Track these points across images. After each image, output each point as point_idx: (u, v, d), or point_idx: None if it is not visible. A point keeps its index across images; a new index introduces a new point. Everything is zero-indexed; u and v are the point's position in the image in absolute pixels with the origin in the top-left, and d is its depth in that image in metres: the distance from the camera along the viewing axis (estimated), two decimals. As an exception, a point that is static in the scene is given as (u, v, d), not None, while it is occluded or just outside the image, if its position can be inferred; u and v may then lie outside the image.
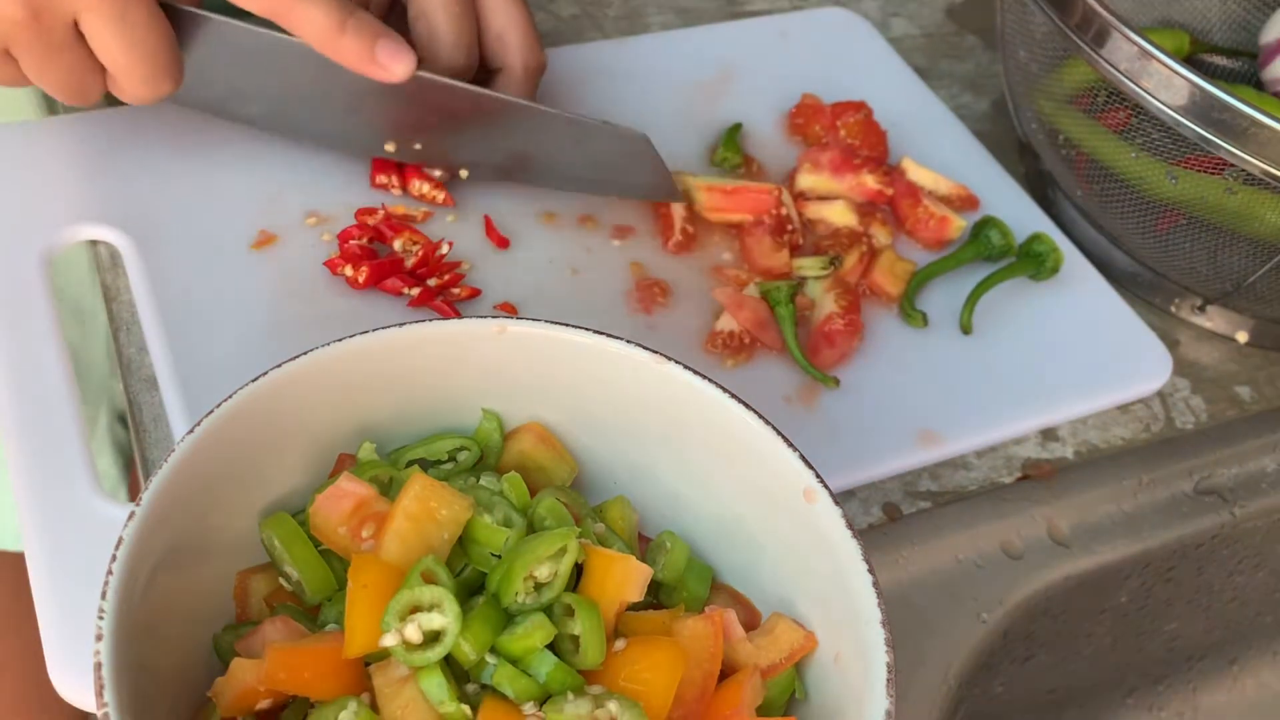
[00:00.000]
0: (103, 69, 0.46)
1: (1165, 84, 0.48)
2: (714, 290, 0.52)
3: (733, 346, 0.50)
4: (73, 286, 0.64)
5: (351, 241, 0.50)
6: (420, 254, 0.50)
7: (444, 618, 0.32)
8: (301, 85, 0.50)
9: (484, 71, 0.53)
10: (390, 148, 0.53)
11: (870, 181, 0.56)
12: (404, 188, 0.54)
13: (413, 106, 0.51)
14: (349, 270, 0.49)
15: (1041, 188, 0.62)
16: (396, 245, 0.51)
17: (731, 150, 0.58)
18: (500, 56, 0.52)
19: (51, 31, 0.44)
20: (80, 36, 0.45)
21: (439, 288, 0.50)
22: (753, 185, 0.55)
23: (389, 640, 0.31)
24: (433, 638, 0.32)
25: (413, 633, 0.31)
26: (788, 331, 0.50)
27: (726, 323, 0.51)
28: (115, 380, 0.70)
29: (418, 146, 0.53)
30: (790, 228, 0.55)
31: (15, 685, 0.72)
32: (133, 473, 0.73)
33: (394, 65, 0.47)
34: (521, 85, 0.52)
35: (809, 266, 0.53)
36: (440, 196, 0.53)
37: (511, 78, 0.52)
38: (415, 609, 0.32)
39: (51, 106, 0.66)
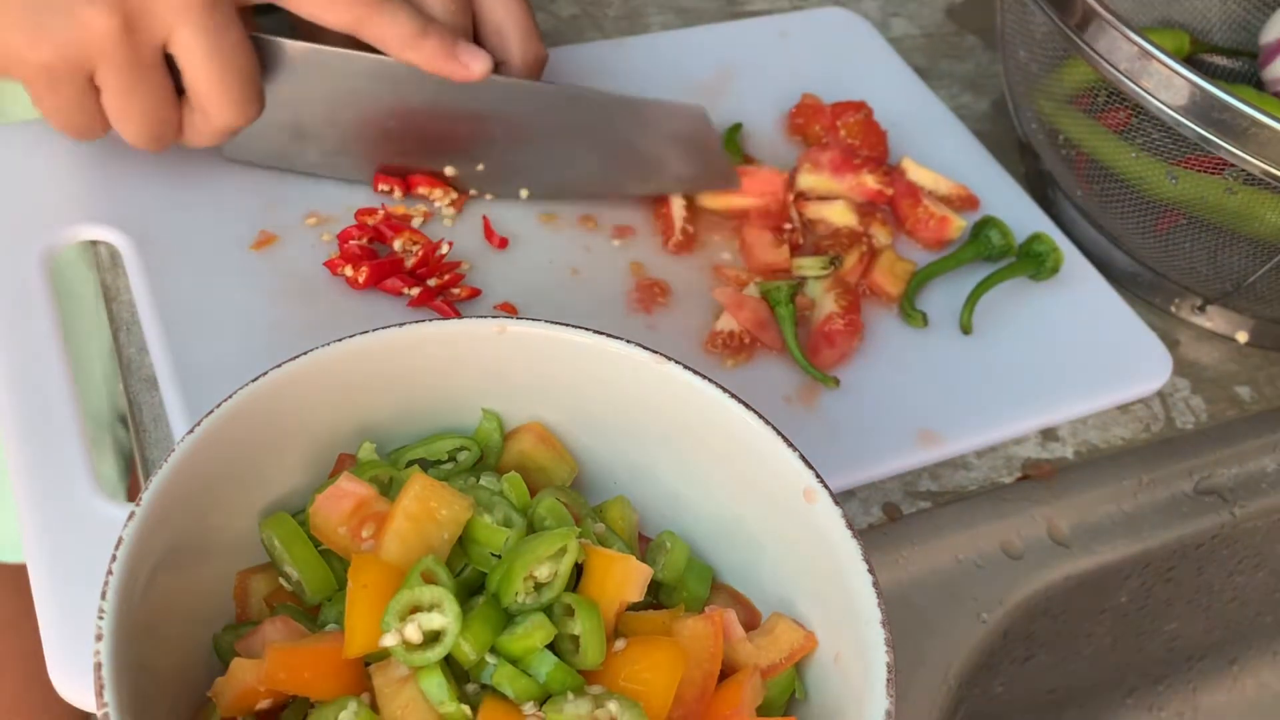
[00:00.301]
0: (179, 106, 0.46)
1: (1165, 84, 0.48)
2: (714, 290, 0.52)
3: (733, 346, 0.50)
4: (71, 286, 0.64)
5: (351, 242, 0.50)
6: (420, 254, 0.50)
7: (444, 618, 0.32)
8: (367, 111, 0.50)
9: None
10: (450, 171, 0.53)
11: (870, 181, 0.56)
12: (407, 193, 0.54)
13: (476, 123, 0.51)
14: (349, 270, 0.49)
15: (1041, 188, 0.62)
16: (396, 245, 0.51)
17: (732, 150, 0.58)
18: (500, 52, 0.52)
19: (143, 48, 0.43)
20: (166, 62, 0.44)
21: (439, 288, 0.50)
22: (761, 170, 0.55)
23: (389, 640, 0.31)
24: (433, 638, 0.32)
25: (413, 633, 0.31)
26: (788, 331, 0.50)
27: (726, 323, 0.51)
28: (115, 380, 0.70)
29: (480, 168, 0.53)
30: (790, 227, 0.55)
31: (15, 685, 0.72)
32: (132, 473, 0.73)
33: (474, 64, 0.48)
34: (522, 78, 0.52)
35: (809, 266, 0.53)
36: (449, 201, 0.53)
37: (512, 72, 0.52)
38: (415, 609, 0.32)
39: None
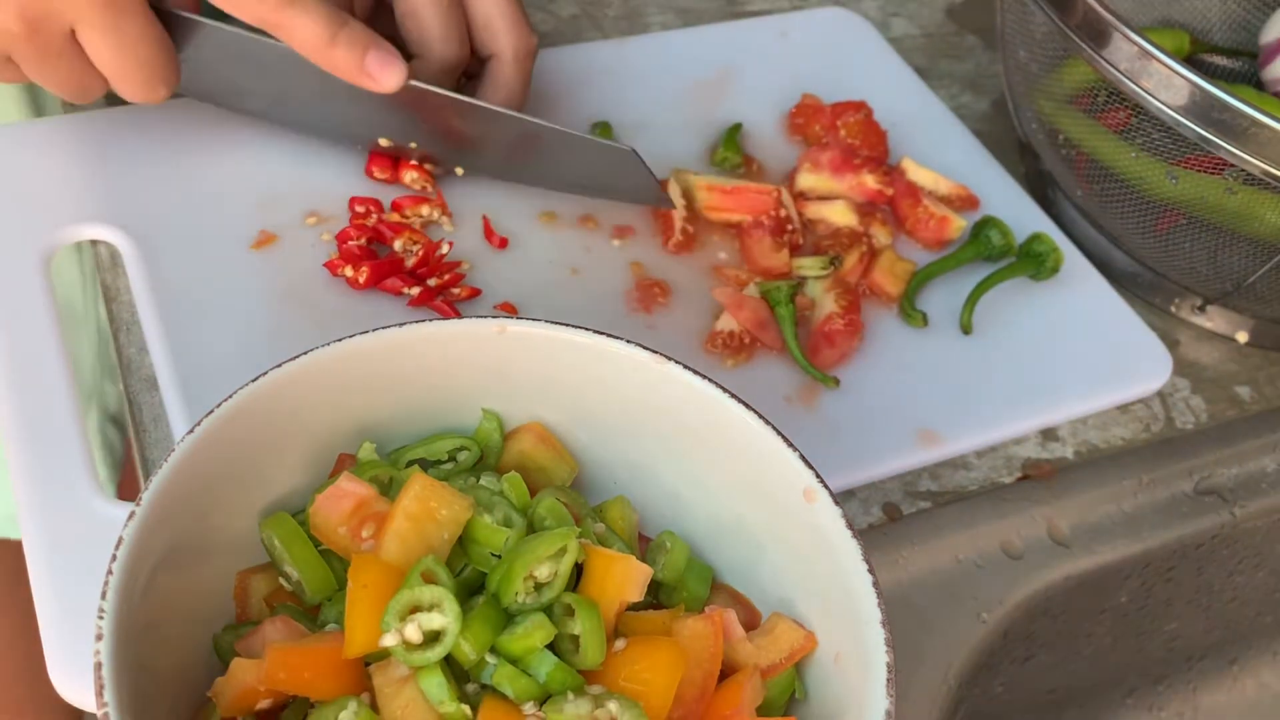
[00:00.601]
0: (98, 73, 0.47)
1: (1165, 84, 0.48)
2: (714, 290, 0.52)
3: (733, 346, 0.50)
4: (63, 288, 0.64)
5: (351, 242, 0.50)
6: (420, 254, 0.50)
7: (444, 618, 0.32)
8: (297, 85, 0.50)
9: (476, 60, 0.53)
10: (385, 143, 0.53)
11: (870, 181, 0.56)
12: (397, 179, 0.54)
13: (407, 111, 0.51)
14: (349, 271, 0.49)
15: (1041, 188, 0.62)
16: (396, 245, 0.51)
17: (732, 150, 0.58)
18: (489, 44, 0.52)
19: (49, 43, 0.44)
20: (78, 44, 0.45)
21: (439, 288, 0.50)
22: (752, 185, 0.55)
23: (389, 640, 0.31)
24: (433, 638, 0.32)
25: (413, 633, 0.31)
26: (788, 331, 0.50)
27: (726, 323, 0.51)
28: (106, 381, 0.70)
29: (413, 145, 0.53)
30: (790, 228, 0.55)
31: (14, 685, 0.72)
32: (122, 474, 0.73)
33: (385, 76, 0.47)
34: (513, 70, 0.52)
35: (809, 266, 0.53)
36: (429, 188, 0.53)
37: (503, 63, 0.52)
38: (415, 609, 0.32)
39: (40, 109, 0.66)
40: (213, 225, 0.51)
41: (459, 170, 0.54)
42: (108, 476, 0.70)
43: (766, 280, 0.52)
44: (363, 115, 0.52)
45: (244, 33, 0.48)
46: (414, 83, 0.49)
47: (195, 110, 0.55)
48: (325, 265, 0.50)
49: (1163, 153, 0.51)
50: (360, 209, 0.52)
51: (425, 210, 0.52)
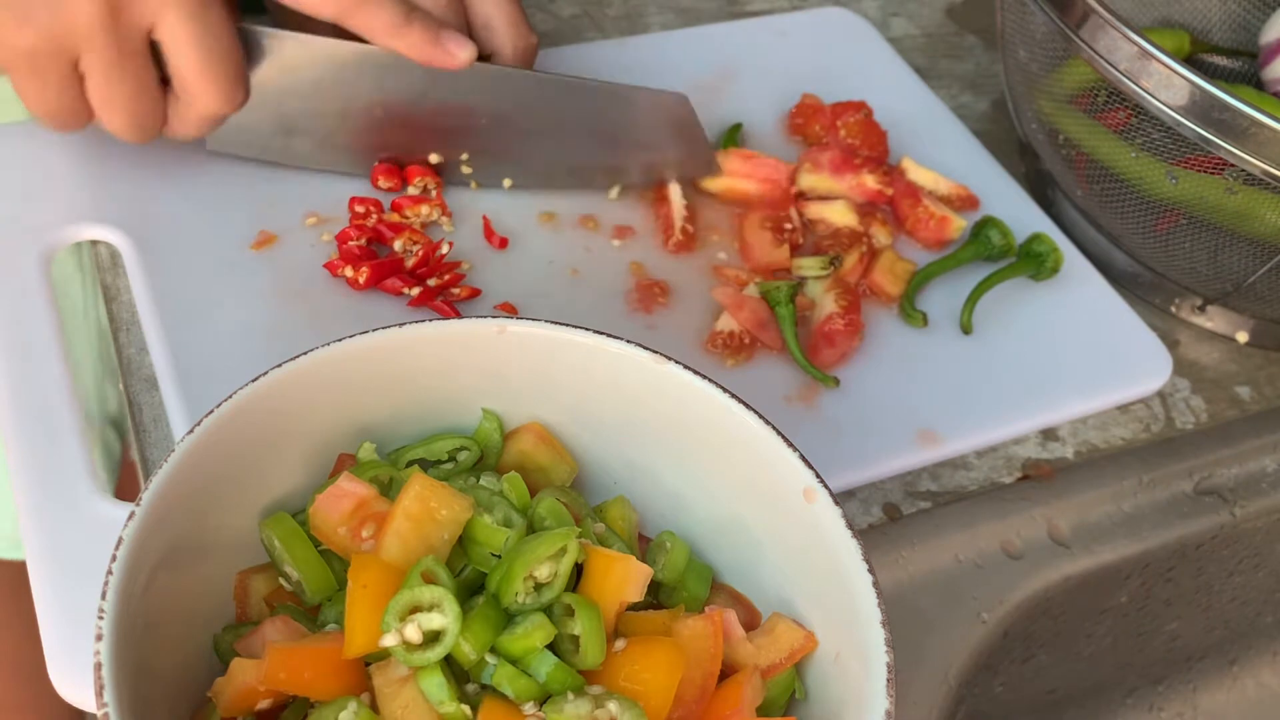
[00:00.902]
0: (163, 96, 0.46)
1: (1165, 84, 0.48)
2: (714, 290, 0.52)
3: (733, 346, 0.50)
4: (62, 288, 0.64)
5: (351, 243, 0.50)
6: (420, 254, 0.50)
7: (444, 618, 0.32)
8: (353, 101, 0.51)
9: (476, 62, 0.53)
10: (435, 159, 0.53)
11: (870, 181, 0.56)
12: (402, 186, 0.54)
13: (461, 120, 0.51)
14: (349, 271, 0.49)
15: (1041, 188, 0.62)
16: (396, 245, 0.51)
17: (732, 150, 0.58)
18: (489, 44, 0.52)
19: (128, 34, 0.43)
20: (151, 50, 0.44)
21: (439, 288, 0.50)
22: (766, 157, 0.56)
23: (389, 640, 0.31)
24: (433, 638, 0.32)
25: (413, 633, 0.31)
26: (788, 331, 0.50)
27: (726, 323, 0.51)
28: (105, 382, 0.70)
29: (464, 156, 0.53)
30: (790, 227, 0.55)
31: (13, 684, 0.72)
32: (120, 475, 0.72)
33: (459, 51, 0.48)
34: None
35: (809, 266, 0.53)
36: (434, 189, 0.53)
37: (503, 62, 0.52)
38: (415, 609, 0.32)
39: None
40: (213, 225, 0.51)
41: (506, 182, 0.54)
42: (106, 478, 0.70)
43: (766, 280, 0.52)
44: (411, 137, 0.52)
45: (315, 38, 0.48)
46: (480, 63, 0.49)
47: (235, 158, 0.54)
48: (325, 266, 0.50)
49: (1163, 153, 0.51)
50: (360, 209, 0.52)
51: (425, 210, 0.52)
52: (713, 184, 0.56)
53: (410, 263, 0.50)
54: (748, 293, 0.51)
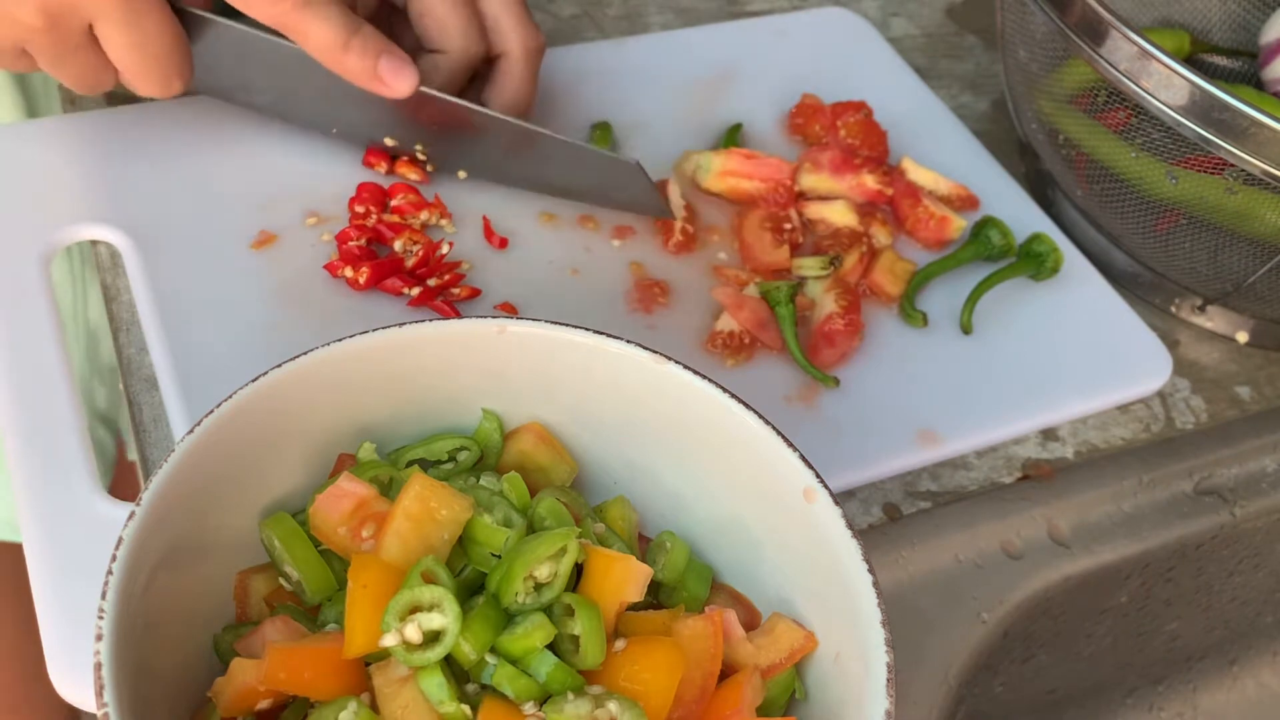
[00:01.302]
0: (113, 68, 0.47)
1: (1165, 84, 0.48)
2: (713, 290, 0.52)
3: (733, 346, 0.50)
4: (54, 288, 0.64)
5: (351, 243, 0.50)
6: (420, 254, 0.50)
7: (444, 618, 0.32)
8: (306, 84, 0.50)
9: (484, 61, 0.53)
10: (390, 142, 0.53)
11: (870, 182, 0.56)
12: (394, 170, 0.54)
13: (413, 115, 0.51)
14: (349, 271, 0.49)
15: (1041, 188, 0.62)
16: (397, 246, 0.51)
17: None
18: (497, 43, 0.52)
19: (67, 37, 0.45)
20: (94, 39, 0.46)
21: (439, 288, 0.50)
22: (770, 158, 0.56)
23: (389, 641, 0.31)
24: (433, 638, 0.32)
25: (413, 633, 0.31)
26: (788, 331, 0.50)
27: (726, 323, 0.51)
28: (95, 381, 0.70)
29: (418, 147, 0.53)
30: (790, 227, 0.55)
31: (12, 682, 0.72)
32: (114, 474, 0.73)
33: (397, 82, 0.47)
34: (522, 68, 0.52)
35: (809, 266, 0.53)
36: (417, 176, 0.54)
37: (512, 61, 0.52)
38: (415, 609, 0.32)
39: (34, 110, 0.66)
40: (213, 225, 0.51)
41: (461, 174, 0.54)
42: (100, 477, 0.70)
43: (766, 280, 0.52)
44: (368, 117, 0.52)
45: (257, 33, 0.48)
46: (424, 89, 0.49)
47: (196, 110, 0.55)
48: (325, 267, 0.50)
49: (1163, 153, 0.51)
50: (360, 209, 0.52)
51: (425, 214, 0.53)
52: (715, 183, 0.56)
53: (410, 263, 0.50)
54: (748, 293, 0.51)
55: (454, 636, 0.31)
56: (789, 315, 0.51)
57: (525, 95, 0.53)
